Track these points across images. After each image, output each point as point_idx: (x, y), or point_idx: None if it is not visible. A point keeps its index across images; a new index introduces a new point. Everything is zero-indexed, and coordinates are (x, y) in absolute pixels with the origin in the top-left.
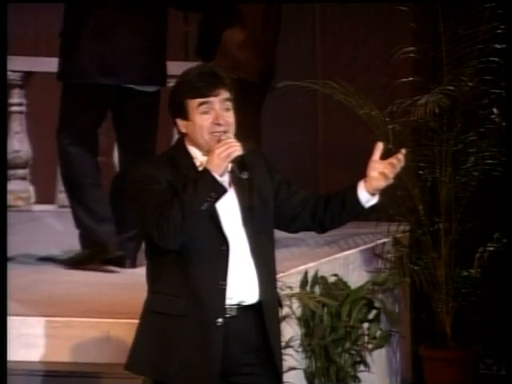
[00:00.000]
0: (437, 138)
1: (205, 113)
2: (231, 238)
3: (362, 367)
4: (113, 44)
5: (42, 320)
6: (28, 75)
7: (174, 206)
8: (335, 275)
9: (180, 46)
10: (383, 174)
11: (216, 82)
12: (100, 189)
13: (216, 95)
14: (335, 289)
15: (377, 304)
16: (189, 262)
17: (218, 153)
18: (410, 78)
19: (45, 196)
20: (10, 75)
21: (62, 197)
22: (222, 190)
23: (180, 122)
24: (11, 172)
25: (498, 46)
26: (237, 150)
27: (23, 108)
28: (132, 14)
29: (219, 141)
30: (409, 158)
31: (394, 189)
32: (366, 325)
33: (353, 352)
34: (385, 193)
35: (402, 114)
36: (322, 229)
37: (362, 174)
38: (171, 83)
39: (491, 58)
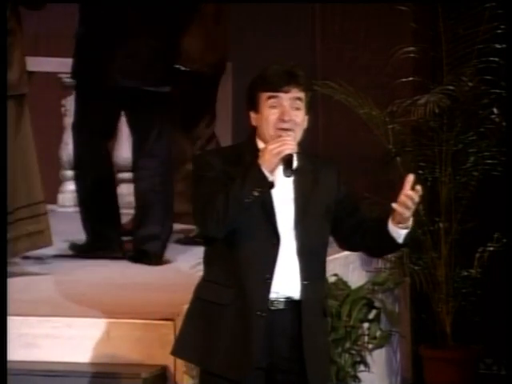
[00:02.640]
0: (437, 138)
1: (272, 107)
2: (284, 234)
3: (362, 367)
4: (130, 47)
5: (42, 320)
6: (28, 75)
7: (221, 196)
8: (335, 275)
9: None
10: (397, 213)
11: (289, 79)
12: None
13: (286, 91)
14: (335, 289)
15: (377, 304)
16: (239, 252)
17: (270, 149)
18: (410, 78)
19: (45, 196)
20: None
21: (62, 197)
22: (268, 186)
23: (252, 115)
24: None
25: (498, 46)
26: (289, 148)
27: None
28: (147, 18)
29: (279, 136)
30: (409, 158)
31: (394, 188)
32: (366, 325)
33: (353, 352)
34: (385, 193)
35: (401, 114)
36: (371, 255)
37: (361, 173)
38: None
39: (491, 58)
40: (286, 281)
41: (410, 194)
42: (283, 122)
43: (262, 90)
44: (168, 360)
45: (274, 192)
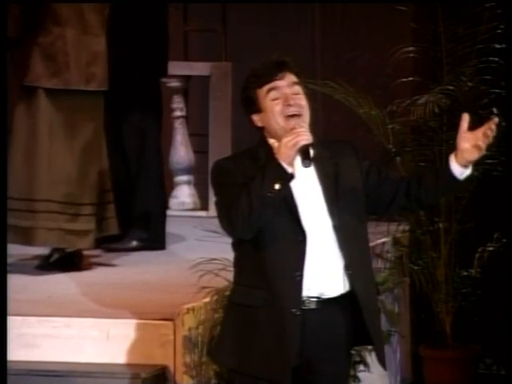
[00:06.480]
0: (437, 138)
1: (274, 99)
2: (310, 229)
3: (361, 367)
4: None
5: (42, 320)
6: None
7: (243, 195)
8: None
9: (180, 46)
10: (477, 146)
11: (280, 66)
12: None
13: (282, 78)
14: None
15: None
16: (266, 252)
17: (286, 141)
18: (410, 78)
19: None
20: None
21: None
22: (288, 178)
23: (255, 118)
24: None
25: (497, 46)
26: (304, 139)
27: None
28: None
29: (292, 129)
30: (409, 158)
31: None
32: None
33: (352, 352)
34: None
35: (401, 114)
36: (419, 206)
37: None
38: (171, 83)
39: (491, 58)
40: (321, 276)
41: (488, 132)
42: (289, 107)
43: (259, 87)
44: (168, 360)
45: (295, 188)
